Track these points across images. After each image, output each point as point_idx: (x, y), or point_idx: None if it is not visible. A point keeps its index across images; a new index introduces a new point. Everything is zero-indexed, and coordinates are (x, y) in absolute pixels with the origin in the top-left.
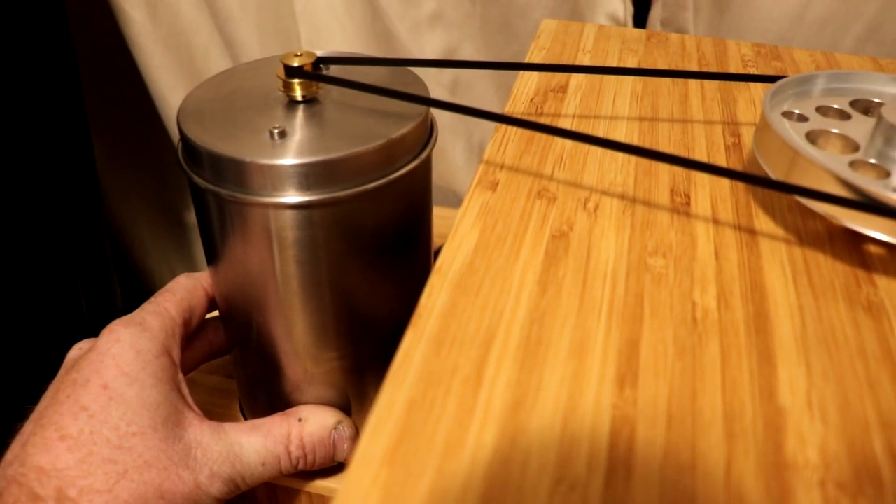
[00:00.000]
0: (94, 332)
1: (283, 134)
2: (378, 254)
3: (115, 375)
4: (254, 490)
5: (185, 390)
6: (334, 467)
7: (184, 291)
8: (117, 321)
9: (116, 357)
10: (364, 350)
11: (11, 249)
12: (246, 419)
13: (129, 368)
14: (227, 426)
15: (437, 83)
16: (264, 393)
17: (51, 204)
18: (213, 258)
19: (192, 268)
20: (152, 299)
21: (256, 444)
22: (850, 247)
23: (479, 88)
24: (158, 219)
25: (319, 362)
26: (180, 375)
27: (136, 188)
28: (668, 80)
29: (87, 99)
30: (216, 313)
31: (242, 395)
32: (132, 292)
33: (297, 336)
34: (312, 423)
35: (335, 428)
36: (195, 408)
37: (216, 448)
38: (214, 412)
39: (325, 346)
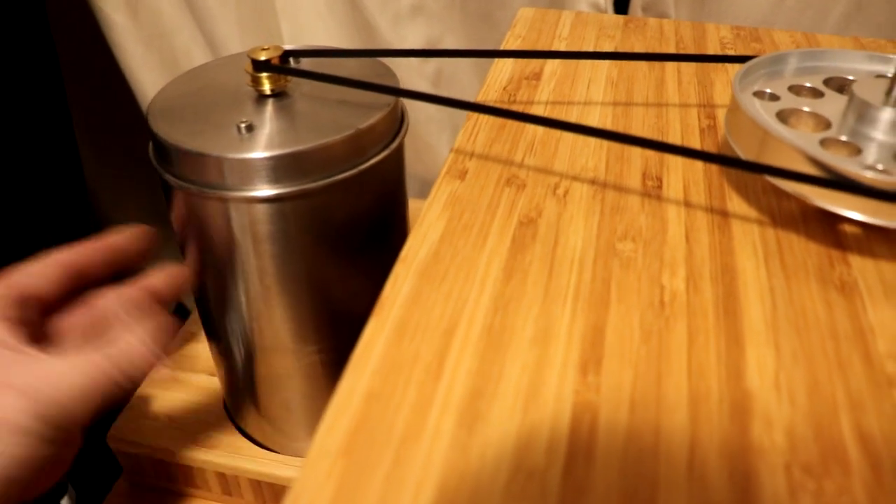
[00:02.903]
0: None
1: (250, 128)
2: (353, 246)
3: None
4: (238, 483)
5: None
6: None
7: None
8: None
9: None
10: (344, 343)
11: None
12: (231, 417)
13: None
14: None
15: (419, 75)
16: (247, 390)
17: (38, 209)
18: (188, 256)
19: None
20: None
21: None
22: (825, 227)
23: (462, 80)
24: (147, 220)
25: (300, 356)
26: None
27: (124, 189)
28: (643, 65)
29: (71, 103)
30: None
31: (226, 392)
32: None
33: (276, 331)
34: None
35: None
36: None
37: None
38: (199, 410)
39: (304, 340)
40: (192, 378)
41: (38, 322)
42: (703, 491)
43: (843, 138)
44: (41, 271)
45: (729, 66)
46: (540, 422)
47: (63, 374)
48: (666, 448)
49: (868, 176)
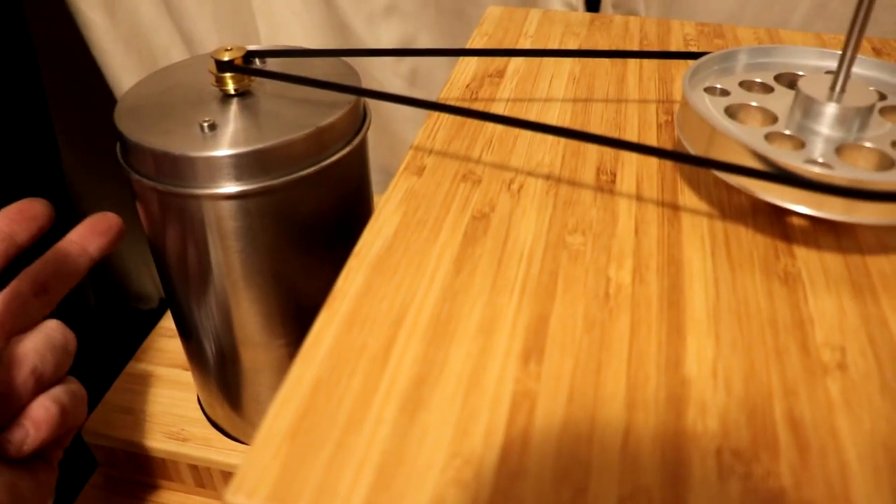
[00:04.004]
0: None
1: (213, 127)
2: (317, 240)
3: None
4: (211, 475)
5: None
6: None
7: None
8: None
9: None
10: None
11: None
12: (203, 410)
13: None
14: None
15: (394, 74)
16: (218, 383)
17: None
18: (157, 253)
19: None
20: None
21: None
22: (773, 220)
23: (437, 77)
24: (128, 218)
25: (268, 350)
26: None
27: (105, 189)
28: (606, 62)
29: (51, 105)
30: None
31: (198, 386)
32: (105, 292)
33: (244, 325)
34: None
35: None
36: None
37: None
38: (172, 404)
39: (272, 334)
40: (166, 372)
41: None
42: (634, 474)
43: (788, 132)
44: None
45: (691, 62)
46: (479, 409)
47: None
48: (600, 434)
49: (808, 169)
